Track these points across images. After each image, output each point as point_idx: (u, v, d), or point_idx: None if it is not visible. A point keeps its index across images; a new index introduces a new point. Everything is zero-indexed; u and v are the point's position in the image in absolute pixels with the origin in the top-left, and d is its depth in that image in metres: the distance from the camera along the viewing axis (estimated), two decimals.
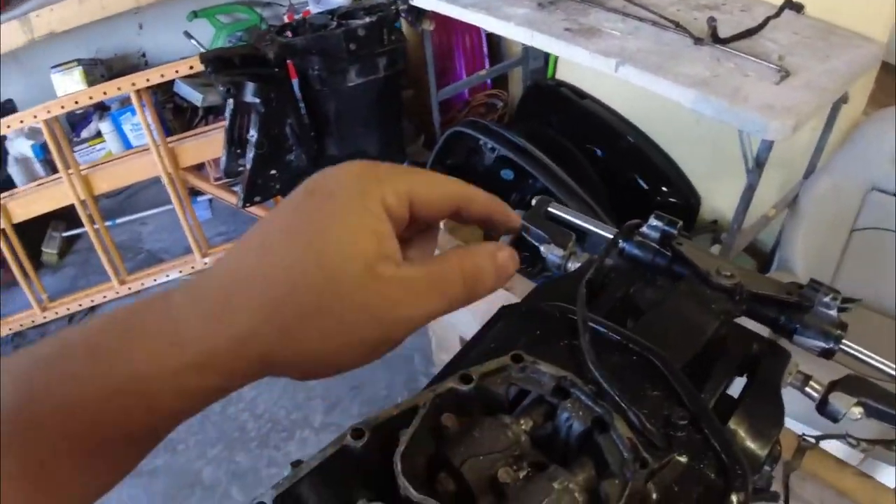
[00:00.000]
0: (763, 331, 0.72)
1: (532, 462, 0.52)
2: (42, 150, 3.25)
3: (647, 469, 0.46)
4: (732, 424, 0.57)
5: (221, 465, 2.33)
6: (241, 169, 2.43)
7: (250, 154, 2.35)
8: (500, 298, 0.89)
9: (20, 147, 3.31)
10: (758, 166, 1.75)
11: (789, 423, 0.65)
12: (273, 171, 2.48)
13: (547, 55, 3.20)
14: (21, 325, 2.99)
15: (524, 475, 0.49)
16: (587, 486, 0.47)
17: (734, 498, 0.47)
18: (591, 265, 0.68)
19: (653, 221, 0.77)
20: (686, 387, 0.53)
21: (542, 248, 0.81)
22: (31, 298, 2.97)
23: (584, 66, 1.92)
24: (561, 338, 0.57)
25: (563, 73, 3.09)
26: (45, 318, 3.00)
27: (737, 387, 0.66)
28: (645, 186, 2.75)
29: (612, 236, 0.77)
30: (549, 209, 0.90)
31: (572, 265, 0.77)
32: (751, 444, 0.56)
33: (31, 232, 3.31)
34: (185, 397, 0.30)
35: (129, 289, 3.09)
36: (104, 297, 3.08)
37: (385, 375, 2.55)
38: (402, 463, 0.51)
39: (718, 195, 2.60)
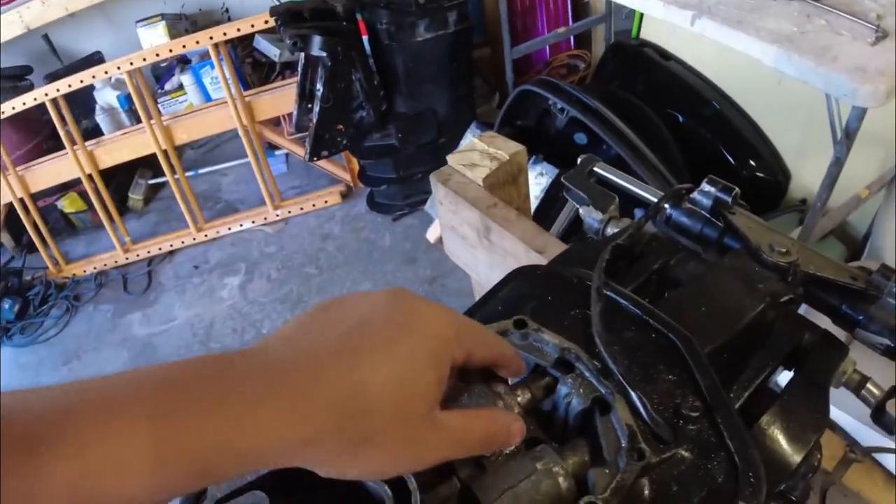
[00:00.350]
0: (822, 321, 0.64)
1: (528, 439, 0.48)
2: (127, 100, 3.40)
3: (642, 462, 0.41)
4: (764, 423, 0.51)
5: None
6: (309, 123, 2.45)
7: (316, 108, 2.36)
8: (532, 259, 0.84)
9: (107, 97, 3.47)
10: (847, 137, 1.58)
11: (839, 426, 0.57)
12: (340, 126, 2.48)
13: (633, 12, 3.01)
14: (105, 265, 3.19)
15: (509, 450, 0.45)
16: (576, 472, 0.43)
17: None
18: (626, 230, 0.62)
19: (705, 187, 0.69)
20: (705, 373, 0.47)
21: (580, 211, 0.75)
22: (114, 240, 3.16)
23: (667, 23, 1.78)
24: (575, 306, 0.52)
25: (648, 32, 2.90)
26: (126, 259, 3.18)
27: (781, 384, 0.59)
28: (729, 158, 2.56)
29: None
30: (596, 169, 0.83)
31: (612, 230, 0.71)
32: (782, 448, 0.49)
33: (120, 178, 3.49)
34: (229, 473, 0.31)
35: (206, 235, 3.22)
36: (182, 242, 3.23)
37: None
38: None
39: (809, 171, 2.39)
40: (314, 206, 3.25)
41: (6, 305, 2.92)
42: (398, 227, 2.98)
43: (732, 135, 2.53)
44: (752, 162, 2.51)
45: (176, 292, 2.96)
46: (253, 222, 3.24)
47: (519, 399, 0.47)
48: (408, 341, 0.35)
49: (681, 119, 2.61)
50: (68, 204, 3.37)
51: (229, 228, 3.24)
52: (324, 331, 0.35)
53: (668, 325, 0.50)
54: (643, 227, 0.66)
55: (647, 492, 0.42)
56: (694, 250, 0.68)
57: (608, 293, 0.53)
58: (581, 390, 0.46)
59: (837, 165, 1.67)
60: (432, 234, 1.19)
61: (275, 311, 2.71)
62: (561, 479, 0.41)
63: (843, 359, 0.59)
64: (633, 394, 0.44)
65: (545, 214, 2.24)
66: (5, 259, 3.28)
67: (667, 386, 0.47)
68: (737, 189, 0.68)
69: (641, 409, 0.44)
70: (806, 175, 2.45)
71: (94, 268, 3.19)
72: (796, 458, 0.50)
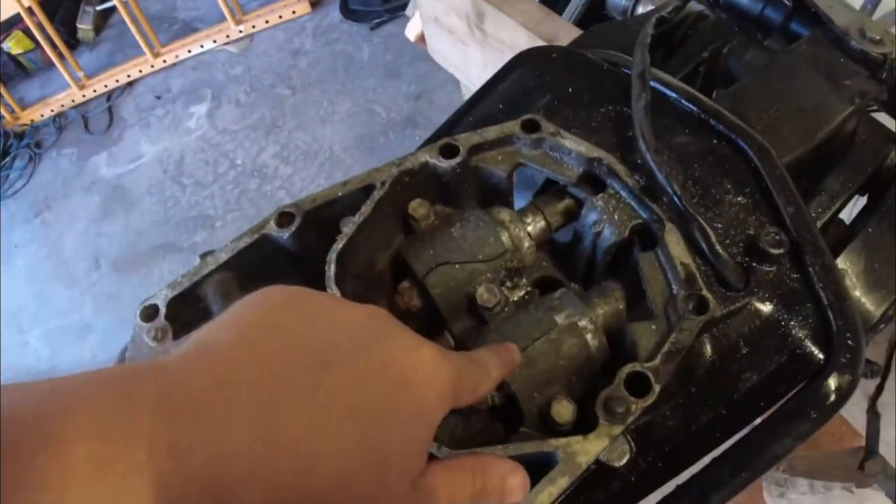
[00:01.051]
0: None
1: (537, 280, 0.36)
2: None
3: (705, 315, 0.29)
4: (842, 263, 0.38)
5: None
6: None
7: None
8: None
9: None
10: None
11: None
12: None
13: None
14: (62, 106, 2.96)
15: (519, 297, 0.33)
16: (608, 326, 0.31)
17: (833, 382, 0.30)
18: (667, 3, 0.45)
19: None
20: (789, 194, 0.34)
21: None
22: (68, 78, 2.90)
23: None
24: (606, 101, 0.37)
25: None
26: (84, 96, 2.95)
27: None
28: None
29: None
30: None
31: (643, 8, 0.54)
32: (866, 294, 0.38)
33: (66, 8, 3.14)
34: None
35: (165, 61, 2.96)
36: (140, 71, 2.97)
37: None
38: (340, 266, 0.35)
39: None
40: (281, 17, 2.95)
41: None
42: (377, 36, 2.72)
43: None
44: None
45: (140, 127, 2.78)
46: (214, 42, 2.96)
47: (529, 228, 0.34)
48: (404, 400, 0.26)
49: None
50: (14, 44, 3.08)
51: (189, 51, 2.96)
52: (279, 354, 0.24)
53: (738, 129, 0.36)
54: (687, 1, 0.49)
55: (708, 353, 0.30)
56: (752, 37, 0.51)
57: (653, 83, 0.37)
58: (616, 216, 0.32)
59: None
60: (412, 31, 1.00)
61: (248, 140, 2.55)
62: (589, 337, 0.29)
63: None
64: (694, 221, 0.31)
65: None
66: None
67: (735, 211, 0.34)
68: None
69: (703, 243, 0.31)
70: None
71: (52, 110, 2.97)
72: (880, 307, 0.38)
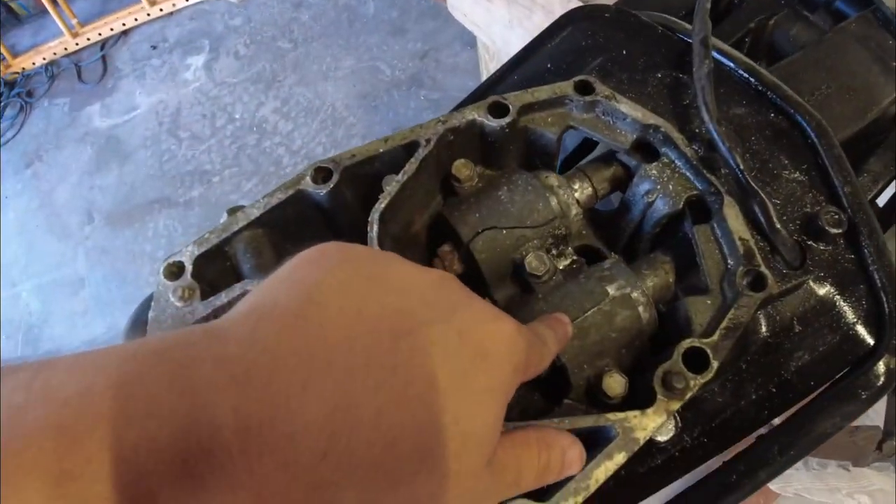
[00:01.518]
0: None
1: (582, 248, 0.35)
2: None
3: (763, 292, 0.28)
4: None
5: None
6: None
7: None
8: None
9: None
10: None
11: None
12: None
13: None
14: (55, 54, 2.88)
15: (566, 265, 0.32)
16: (659, 298, 0.30)
17: (884, 364, 0.29)
18: None
19: None
20: (847, 175, 0.33)
21: None
22: (61, 25, 2.82)
23: None
24: (660, 66, 0.36)
25: None
26: (77, 44, 2.87)
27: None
28: None
29: None
30: None
31: None
32: None
33: None
34: None
35: (161, 10, 2.88)
36: (136, 19, 2.89)
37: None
38: (383, 225, 0.34)
39: None
40: None
41: None
42: None
43: None
44: None
45: (135, 77, 2.71)
46: None
47: (577, 195, 0.33)
48: (483, 373, 0.24)
49: None
50: None
51: (187, 0, 2.90)
52: (351, 318, 0.22)
53: (797, 105, 0.35)
54: None
55: (763, 331, 0.29)
56: (798, 11, 0.50)
57: (714, 52, 0.36)
58: (671, 186, 0.31)
59: None
60: None
61: (246, 93, 2.49)
62: (641, 309, 0.29)
63: None
64: (756, 195, 0.30)
65: None
66: None
67: (791, 188, 0.33)
68: None
69: (762, 218, 0.30)
70: None
71: (44, 58, 2.89)
72: None
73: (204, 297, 0.32)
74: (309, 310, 0.22)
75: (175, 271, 0.33)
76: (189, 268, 0.33)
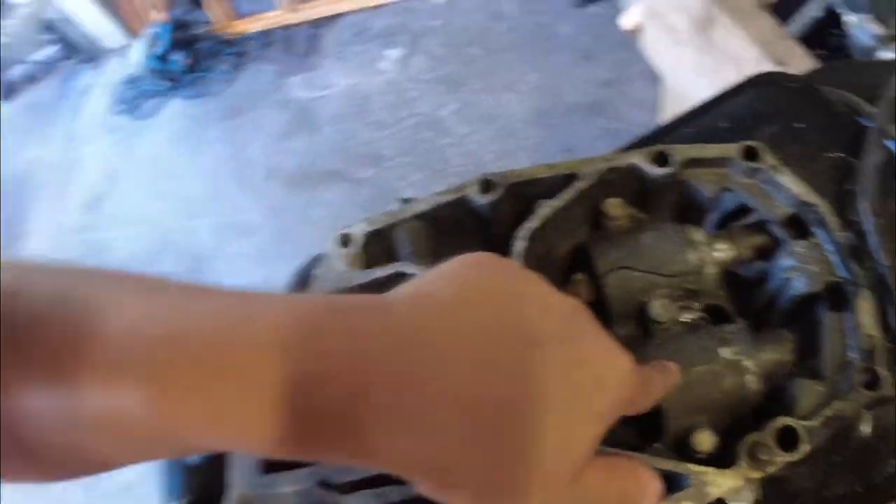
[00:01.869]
0: None
1: (709, 306, 0.36)
2: None
3: (875, 392, 0.28)
4: None
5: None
6: None
7: None
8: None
9: None
10: None
11: None
12: None
13: None
14: (271, 25, 3.14)
15: (690, 319, 0.34)
16: (770, 373, 0.31)
17: None
18: None
19: None
20: None
21: (848, 19, 0.54)
22: None
23: None
24: (832, 147, 0.36)
25: None
26: (291, 20, 3.12)
27: None
28: None
29: None
30: None
31: (885, 54, 0.50)
32: None
33: None
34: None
35: (370, 2, 3.08)
36: (348, 7, 3.11)
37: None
38: (530, 244, 0.38)
39: None
40: None
41: (177, 58, 3.05)
42: (581, 15, 2.63)
43: None
44: None
45: (336, 59, 2.90)
46: None
47: (719, 255, 0.35)
48: (597, 397, 0.27)
49: None
50: None
51: None
52: (495, 319, 0.26)
53: None
54: None
55: (864, 430, 0.29)
56: None
57: (890, 143, 0.36)
58: (812, 267, 0.32)
59: None
60: (628, 20, 0.98)
61: (433, 92, 2.59)
62: (750, 379, 0.30)
63: None
64: (893, 297, 0.30)
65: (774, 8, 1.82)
66: (176, 14, 3.36)
67: None
68: None
69: (894, 321, 0.30)
70: None
71: (262, 26, 3.17)
72: None
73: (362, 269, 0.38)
74: (460, 307, 0.26)
75: (345, 241, 0.39)
76: (360, 240, 0.38)
